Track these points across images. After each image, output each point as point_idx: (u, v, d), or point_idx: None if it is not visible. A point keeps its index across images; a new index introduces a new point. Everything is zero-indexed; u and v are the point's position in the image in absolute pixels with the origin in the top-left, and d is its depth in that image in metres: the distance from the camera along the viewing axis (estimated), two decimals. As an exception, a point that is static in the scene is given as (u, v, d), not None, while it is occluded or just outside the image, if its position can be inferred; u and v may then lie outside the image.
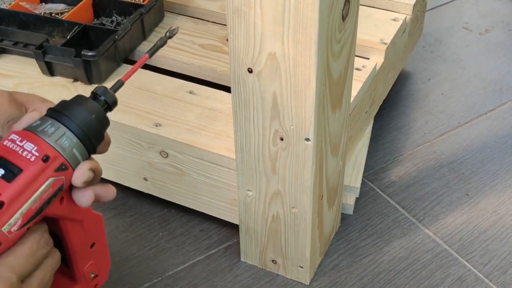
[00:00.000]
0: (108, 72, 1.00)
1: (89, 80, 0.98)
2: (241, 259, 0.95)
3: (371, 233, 0.99)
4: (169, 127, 0.91)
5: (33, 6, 1.10)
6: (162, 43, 0.61)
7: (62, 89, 0.98)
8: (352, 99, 0.90)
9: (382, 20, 1.10)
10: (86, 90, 0.97)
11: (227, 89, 0.95)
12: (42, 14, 1.09)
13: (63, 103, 0.54)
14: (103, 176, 1.02)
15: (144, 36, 1.07)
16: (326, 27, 0.67)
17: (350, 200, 1.02)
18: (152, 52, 0.60)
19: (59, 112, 0.53)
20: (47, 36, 1.01)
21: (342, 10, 0.70)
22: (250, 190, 0.85)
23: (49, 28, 1.05)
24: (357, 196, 1.03)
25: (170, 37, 0.61)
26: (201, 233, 1.00)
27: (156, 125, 0.91)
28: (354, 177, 1.03)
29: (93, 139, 0.54)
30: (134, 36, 1.04)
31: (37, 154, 0.50)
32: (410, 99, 1.27)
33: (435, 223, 1.01)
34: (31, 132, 0.51)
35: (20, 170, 0.49)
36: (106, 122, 0.56)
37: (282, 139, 0.77)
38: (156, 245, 0.98)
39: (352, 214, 1.02)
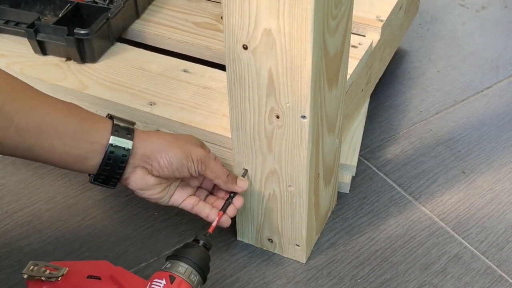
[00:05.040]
0: (101, 51, 0.98)
1: (82, 59, 0.96)
2: (237, 238, 0.95)
3: (368, 211, 0.99)
4: (164, 106, 0.90)
5: (24, -16, 1.08)
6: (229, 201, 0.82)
7: (54, 68, 0.97)
8: (348, 76, 0.89)
9: (378, -3, 1.08)
10: (79, 69, 0.96)
11: (222, 67, 0.94)
12: (33, -8, 1.07)
13: (187, 252, 0.75)
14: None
15: (138, 14, 1.05)
16: (323, 2, 0.66)
17: (346, 178, 1.01)
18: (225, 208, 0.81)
19: (187, 259, 0.74)
20: (39, 15, 1.00)
21: (339, -15, 0.69)
22: (246, 169, 0.84)
23: (41, 6, 1.03)
24: (353, 175, 1.02)
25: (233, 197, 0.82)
26: (197, 213, 0.99)
27: (151, 104, 0.90)
28: (350, 155, 1.02)
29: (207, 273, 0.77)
30: (128, 14, 1.03)
31: None
32: (406, 77, 1.26)
33: (432, 201, 1.01)
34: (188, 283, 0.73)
35: None
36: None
37: (278, 116, 0.76)
38: (152, 225, 0.97)
39: (348, 192, 1.02)
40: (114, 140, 0.73)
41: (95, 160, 0.73)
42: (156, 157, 0.75)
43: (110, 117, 0.76)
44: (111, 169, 0.74)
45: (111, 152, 0.73)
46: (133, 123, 0.77)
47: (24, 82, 0.74)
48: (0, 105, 0.68)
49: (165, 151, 0.76)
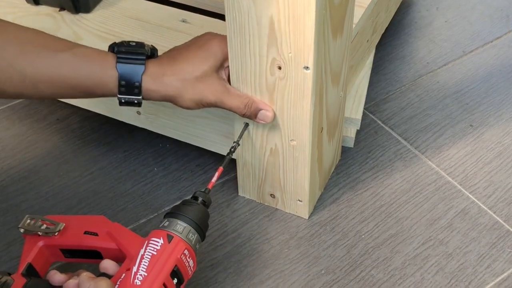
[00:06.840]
0: (95, 0, 0.94)
1: (76, 9, 0.93)
2: (239, 194, 0.93)
3: (372, 166, 0.97)
4: (161, 58, 0.86)
5: None
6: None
7: (47, 18, 0.93)
8: (353, 26, 0.86)
9: None
10: (73, 19, 0.93)
11: (222, 17, 0.91)
12: None
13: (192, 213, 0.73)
14: (95, 110, 1.00)
15: (133, -38, 1.01)
16: None
17: (350, 132, 0.99)
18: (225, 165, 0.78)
19: (186, 217, 0.72)
20: (30, -38, 0.95)
21: None
22: (247, 123, 0.81)
23: (32, -46, 0.99)
24: (358, 129, 1.00)
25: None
26: (197, 168, 0.97)
27: (148, 56, 0.87)
28: (355, 108, 0.99)
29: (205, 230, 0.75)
30: (123, -38, 0.98)
31: (192, 270, 0.72)
32: (412, 28, 1.22)
33: (438, 155, 0.98)
34: (192, 248, 0.71)
35: (182, 281, 0.70)
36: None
37: (280, 68, 0.73)
38: (151, 181, 0.95)
39: (352, 147, 0.99)
40: (122, 97, 0.74)
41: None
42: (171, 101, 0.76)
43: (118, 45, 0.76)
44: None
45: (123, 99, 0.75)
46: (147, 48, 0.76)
47: (31, 30, 0.73)
48: (11, 60, 0.69)
49: (175, 101, 0.76)
